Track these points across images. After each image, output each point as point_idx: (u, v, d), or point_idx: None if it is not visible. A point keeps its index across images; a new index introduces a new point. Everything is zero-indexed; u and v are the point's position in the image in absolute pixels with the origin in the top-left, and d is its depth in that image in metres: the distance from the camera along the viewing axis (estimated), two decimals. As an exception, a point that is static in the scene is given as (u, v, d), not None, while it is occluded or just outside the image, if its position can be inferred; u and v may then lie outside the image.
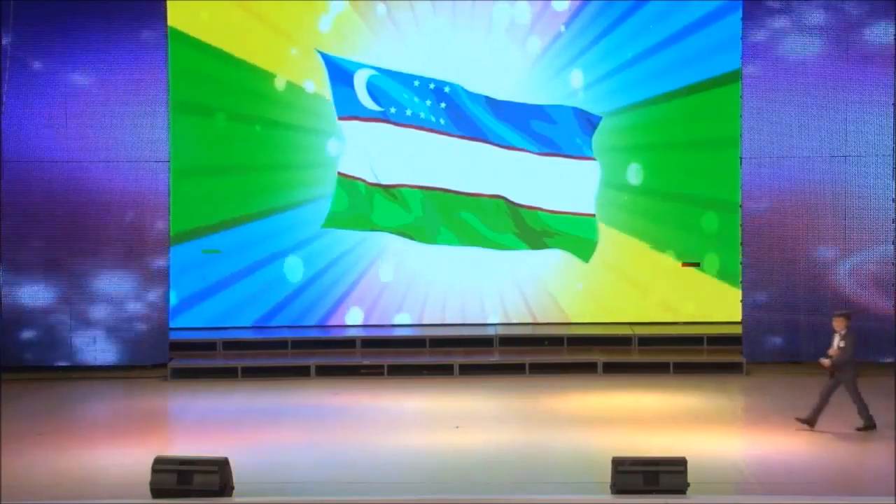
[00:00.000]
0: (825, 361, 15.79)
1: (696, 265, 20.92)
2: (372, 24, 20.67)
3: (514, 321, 21.03)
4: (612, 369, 19.56)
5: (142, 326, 19.57)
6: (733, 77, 19.98)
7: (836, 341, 15.83)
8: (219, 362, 19.98)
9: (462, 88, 19.30)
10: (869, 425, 15.68)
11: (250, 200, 20.79)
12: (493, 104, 19.38)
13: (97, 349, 19.54)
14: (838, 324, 15.87)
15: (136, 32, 19.36)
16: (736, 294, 20.05)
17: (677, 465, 12.97)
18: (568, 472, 14.22)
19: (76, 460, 14.68)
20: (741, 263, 19.73)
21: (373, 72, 19.28)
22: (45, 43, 19.25)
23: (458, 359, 19.87)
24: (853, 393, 15.75)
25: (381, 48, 20.51)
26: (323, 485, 13.72)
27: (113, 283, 19.51)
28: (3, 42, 19.05)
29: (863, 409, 15.72)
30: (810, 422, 15.69)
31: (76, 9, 19.29)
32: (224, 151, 20.74)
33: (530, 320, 21.06)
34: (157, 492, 12.97)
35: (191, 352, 20.18)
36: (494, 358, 20.09)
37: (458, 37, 20.75)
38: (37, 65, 19.29)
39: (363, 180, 19.35)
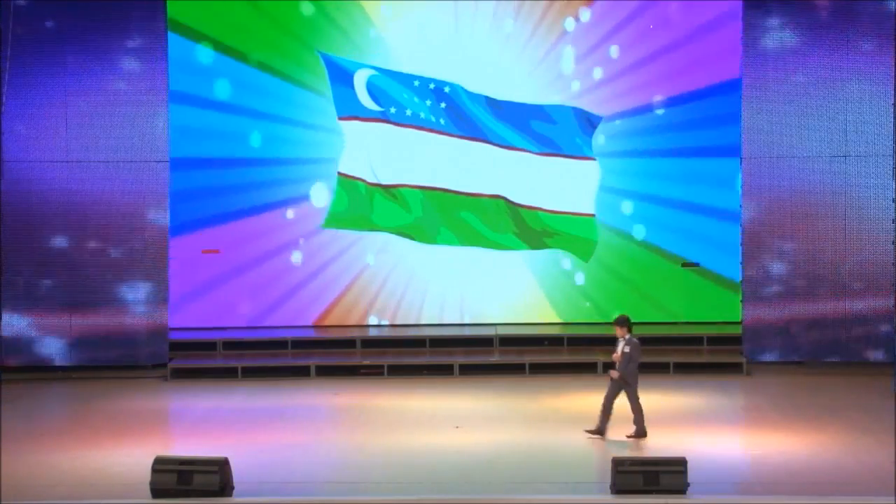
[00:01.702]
0: (613, 373, 15.50)
1: (696, 265, 20.92)
2: (373, 24, 20.69)
3: (514, 321, 21.02)
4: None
5: (141, 326, 19.57)
6: (734, 82, 19.96)
7: (621, 346, 15.57)
8: (219, 362, 19.97)
9: (462, 88, 19.31)
10: (640, 433, 15.38)
11: (247, 196, 20.87)
12: (493, 104, 19.39)
13: (97, 349, 19.52)
14: (618, 331, 15.61)
15: (136, 32, 19.35)
16: (736, 294, 20.05)
17: (677, 465, 12.96)
18: (568, 472, 14.20)
19: (76, 460, 14.66)
20: (741, 263, 19.73)
21: (373, 72, 19.30)
22: (45, 43, 19.24)
23: (458, 359, 19.86)
24: (633, 401, 15.43)
25: (381, 48, 20.52)
26: (323, 485, 13.72)
27: (113, 283, 19.50)
28: (3, 43, 19.04)
29: (639, 419, 15.42)
30: (600, 431, 15.39)
31: (76, 8, 19.29)
32: (223, 146, 20.80)
33: (530, 320, 21.05)
34: (157, 492, 12.97)
35: (191, 352, 20.19)
36: (494, 358, 20.08)
37: (459, 37, 20.74)
38: (37, 64, 19.27)
39: (363, 180, 19.37)
